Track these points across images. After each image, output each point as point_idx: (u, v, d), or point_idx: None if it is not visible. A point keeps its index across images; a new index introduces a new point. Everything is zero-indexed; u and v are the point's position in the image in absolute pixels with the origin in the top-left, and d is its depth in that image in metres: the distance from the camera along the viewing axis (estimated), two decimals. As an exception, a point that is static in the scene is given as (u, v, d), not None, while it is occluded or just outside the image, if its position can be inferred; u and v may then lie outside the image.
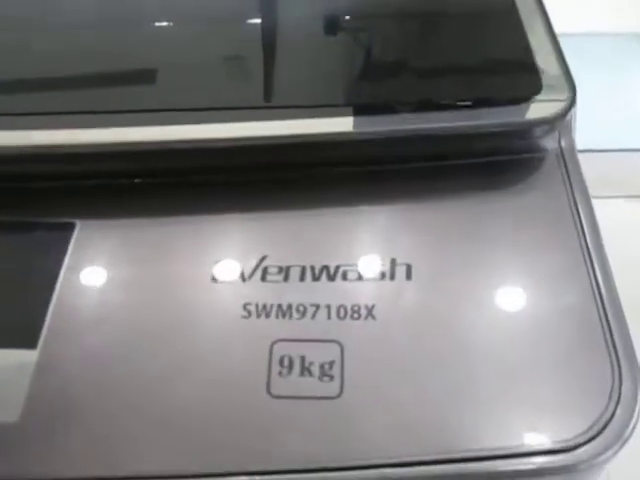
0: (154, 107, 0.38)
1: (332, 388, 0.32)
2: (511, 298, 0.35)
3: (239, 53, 0.44)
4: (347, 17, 0.46)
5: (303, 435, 0.31)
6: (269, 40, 0.44)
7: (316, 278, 0.35)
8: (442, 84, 0.41)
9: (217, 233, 0.37)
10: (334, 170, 0.39)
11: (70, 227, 0.37)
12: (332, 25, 0.45)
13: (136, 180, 0.39)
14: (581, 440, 0.30)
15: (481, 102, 0.38)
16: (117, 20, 0.46)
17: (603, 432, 0.30)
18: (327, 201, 0.38)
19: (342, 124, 0.38)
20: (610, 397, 0.31)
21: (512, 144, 0.39)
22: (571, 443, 0.30)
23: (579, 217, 0.37)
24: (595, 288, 0.35)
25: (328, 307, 0.34)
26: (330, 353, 0.33)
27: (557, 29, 0.43)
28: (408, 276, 0.35)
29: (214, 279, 0.35)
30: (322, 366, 0.32)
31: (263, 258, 0.36)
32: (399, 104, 0.39)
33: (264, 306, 0.34)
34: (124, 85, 0.42)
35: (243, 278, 0.35)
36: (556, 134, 0.40)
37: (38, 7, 0.47)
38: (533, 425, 0.31)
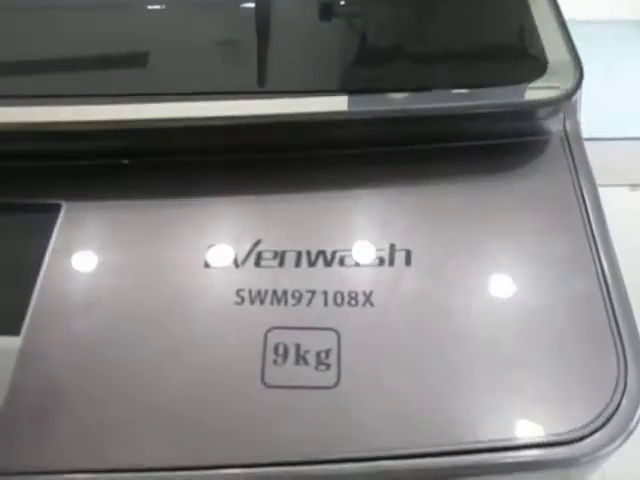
0: (144, 91, 0.37)
1: (328, 377, 0.30)
2: (514, 285, 0.34)
3: (232, 37, 0.42)
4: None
5: (298, 426, 0.30)
6: (263, 24, 0.42)
7: (312, 263, 0.34)
8: (444, 66, 0.39)
9: (209, 216, 0.36)
10: (332, 152, 0.37)
11: (56, 208, 0.36)
12: (329, 9, 0.43)
13: (125, 161, 0.37)
14: (586, 432, 0.29)
15: (484, 83, 0.37)
16: (110, 3, 0.44)
17: (608, 424, 0.30)
18: (324, 184, 0.37)
19: (337, 103, 0.36)
20: (616, 387, 0.30)
21: (517, 126, 0.38)
22: (575, 435, 0.29)
23: (584, 201, 0.36)
24: (600, 275, 0.34)
25: (325, 293, 0.33)
26: (326, 341, 0.31)
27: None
28: (407, 262, 0.34)
29: (206, 264, 0.34)
30: (318, 354, 0.31)
31: (257, 242, 0.35)
32: (399, 85, 0.37)
33: (258, 292, 0.33)
34: (115, 68, 0.40)
35: (236, 263, 0.34)
36: (561, 116, 0.38)
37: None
38: (535, 416, 0.30)
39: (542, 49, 0.38)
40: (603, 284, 0.33)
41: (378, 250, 0.34)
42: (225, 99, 0.36)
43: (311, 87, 0.38)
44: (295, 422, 0.30)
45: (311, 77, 0.39)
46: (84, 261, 0.34)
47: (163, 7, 0.44)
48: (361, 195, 0.37)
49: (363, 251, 0.34)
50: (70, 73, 0.40)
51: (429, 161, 0.37)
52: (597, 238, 0.35)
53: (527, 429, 0.30)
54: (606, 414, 0.30)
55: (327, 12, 0.43)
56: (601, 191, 0.37)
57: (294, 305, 0.32)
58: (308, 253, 0.34)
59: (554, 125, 0.38)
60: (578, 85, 0.37)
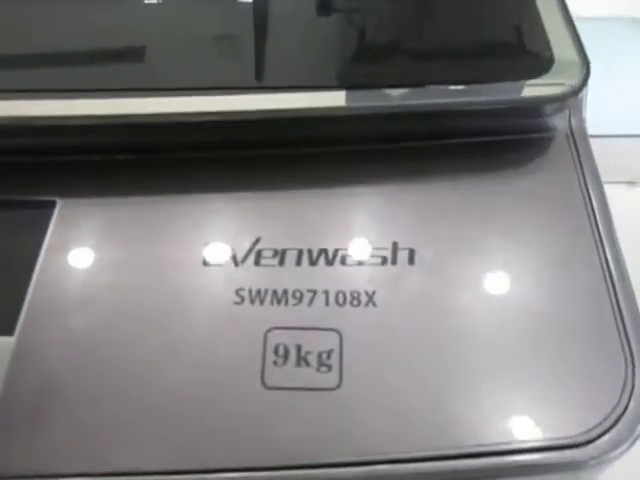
0: (140, 86, 0.36)
1: (330, 379, 0.30)
2: (519, 284, 0.33)
3: (230, 31, 0.41)
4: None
5: (299, 429, 0.29)
6: (261, 18, 0.42)
7: (313, 262, 0.33)
8: (448, 62, 0.39)
9: (208, 213, 0.35)
10: (333, 149, 0.37)
11: (50, 205, 0.35)
12: (327, 3, 0.43)
13: (121, 156, 0.37)
14: (593, 435, 0.29)
15: (489, 78, 0.36)
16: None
17: (615, 426, 0.29)
18: (326, 181, 0.36)
19: (338, 99, 0.35)
20: (623, 389, 0.30)
21: (522, 123, 0.37)
22: (582, 438, 0.29)
23: (590, 199, 0.35)
24: (606, 273, 0.33)
25: (326, 293, 0.32)
26: (328, 342, 0.31)
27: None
28: (411, 261, 0.33)
29: (205, 262, 0.33)
30: (320, 355, 0.30)
31: (257, 240, 0.34)
32: (401, 81, 0.37)
33: (258, 291, 0.32)
34: (112, 62, 0.40)
35: (236, 262, 0.33)
36: (566, 113, 0.38)
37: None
38: (541, 418, 0.29)
39: (548, 44, 0.37)
40: (609, 283, 0.33)
41: (380, 249, 0.33)
42: (222, 94, 0.35)
43: (309, 82, 0.37)
44: (296, 425, 0.29)
45: (309, 72, 0.38)
46: (79, 259, 0.34)
47: (160, 0, 0.43)
48: (363, 192, 0.36)
49: (365, 250, 0.33)
50: (63, 67, 0.39)
51: (432, 158, 0.36)
52: (603, 237, 0.34)
53: (532, 432, 0.29)
54: (614, 416, 0.29)
55: (326, 7, 0.43)
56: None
57: (295, 305, 0.32)
58: (309, 251, 0.33)
59: (560, 122, 0.37)
60: (585, 81, 0.36)
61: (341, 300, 0.32)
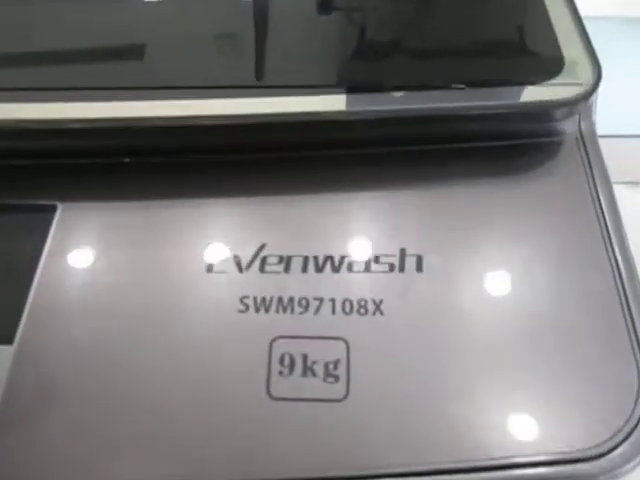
0: (142, 85, 0.36)
1: (337, 390, 0.29)
2: (530, 292, 0.32)
3: (230, 30, 0.41)
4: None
5: (305, 441, 0.28)
6: (261, 18, 0.41)
7: (320, 269, 0.32)
8: (457, 64, 0.38)
9: (211, 218, 0.35)
10: (339, 152, 0.36)
11: (51, 209, 0.34)
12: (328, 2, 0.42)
13: (123, 160, 0.36)
14: (605, 448, 0.28)
15: (499, 82, 0.36)
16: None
17: (628, 439, 0.28)
18: (332, 185, 0.35)
19: (349, 102, 0.35)
20: (636, 401, 0.29)
21: (531, 127, 0.36)
22: (595, 451, 0.28)
23: (600, 203, 0.35)
24: (617, 278, 0.32)
25: (333, 301, 0.31)
26: (335, 351, 0.30)
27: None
28: (419, 268, 0.32)
29: (208, 269, 0.33)
30: (326, 365, 0.30)
31: (262, 247, 0.33)
32: (408, 83, 0.36)
33: (263, 299, 0.31)
34: (112, 61, 0.39)
35: (240, 268, 0.32)
36: (576, 117, 0.37)
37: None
38: (552, 432, 0.29)
39: (558, 47, 0.37)
40: (620, 287, 0.32)
41: (388, 255, 0.33)
42: (223, 95, 0.35)
43: (310, 82, 0.36)
44: (302, 437, 0.29)
45: (310, 72, 0.38)
46: (80, 266, 0.33)
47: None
48: (370, 197, 0.35)
49: (372, 256, 0.33)
50: (63, 66, 0.39)
51: (441, 162, 0.36)
52: (613, 240, 0.34)
53: (543, 445, 0.29)
54: (626, 429, 0.29)
55: (326, 5, 0.42)
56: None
57: (301, 313, 0.31)
58: (315, 258, 0.33)
59: (570, 126, 0.37)
60: (596, 85, 0.35)
61: (348, 308, 0.31)
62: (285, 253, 0.33)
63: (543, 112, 0.36)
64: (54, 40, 0.39)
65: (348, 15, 0.42)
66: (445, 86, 0.35)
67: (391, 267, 0.32)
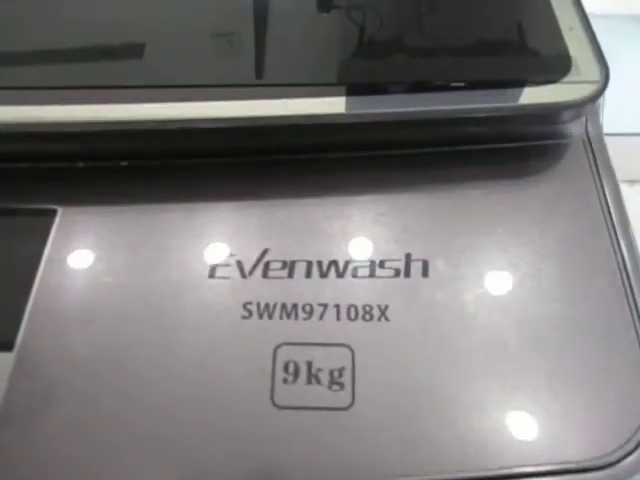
0: (142, 84, 0.35)
1: (342, 398, 0.29)
2: (537, 296, 0.32)
3: (230, 29, 0.40)
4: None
5: (310, 450, 0.28)
6: (261, 16, 0.40)
7: (324, 274, 0.32)
8: (463, 64, 0.37)
9: (213, 223, 0.34)
10: (342, 155, 0.35)
11: (51, 213, 0.34)
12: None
13: (123, 163, 0.35)
14: (615, 457, 0.28)
15: (504, 83, 0.35)
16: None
17: (638, 448, 0.28)
18: (335, 189, 0.35)
19: (351, 105, 0.34)
20: (647, 409, 0.29)
21: (538, 129, 0.36)
22: (606, 460, 0.28)
23: (607, 206, 0.34)
24: (625, 279, 0.32)
25: (337, 307, 0.31)
26: (340, 358, 0.30)
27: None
28: (424, 273, 0.32)
29: (211, 275, 0.32)
30: (331, 373, 0.29)
31: (265, 252, 0.33)
32: (413, 84, 0.35)
33: (266, 305, 0.31)
34: (111, 61, 0.38)
35: (243, 274, 0.32)
36: (583, 119, 0.36)
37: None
38: (563, 440, 0.28)
39: (566, 49, 0.36)
40: (628, 288, 0.32)
41: (393, 260, 0.32)
42: (223, 94, 0.34)
43: (310, 80, 0.36)
44: (306, 445, 0.28)
45: (310, 71, 0.37)
46: (80, 270, 0.32)
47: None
48: (374, 201, 0.35)
49: (377, 261, 0.32)
50: (62, 65, 0.38)
51: (447, 165, 0.35)
52: (622, 245, 0.33)
53: (554, 454, 0.28)
54: (636, 438, 0.28)
55: (326, 4, 0.41)
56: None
57: (305, 319, 0.31)
58: (319, 263, 0.32)
59: (577, 128, 0.36)
60: (603, 88, 0.35)
61: (353, 314, 0.31)
62: (288, 258, 0.32)
63: (550, 114, 0.35)
64: (54, 40, 0.39)
65: (348, 13, 0.41)
66: (449, 87, 0.34)
67: (396, 272, 0.32)
